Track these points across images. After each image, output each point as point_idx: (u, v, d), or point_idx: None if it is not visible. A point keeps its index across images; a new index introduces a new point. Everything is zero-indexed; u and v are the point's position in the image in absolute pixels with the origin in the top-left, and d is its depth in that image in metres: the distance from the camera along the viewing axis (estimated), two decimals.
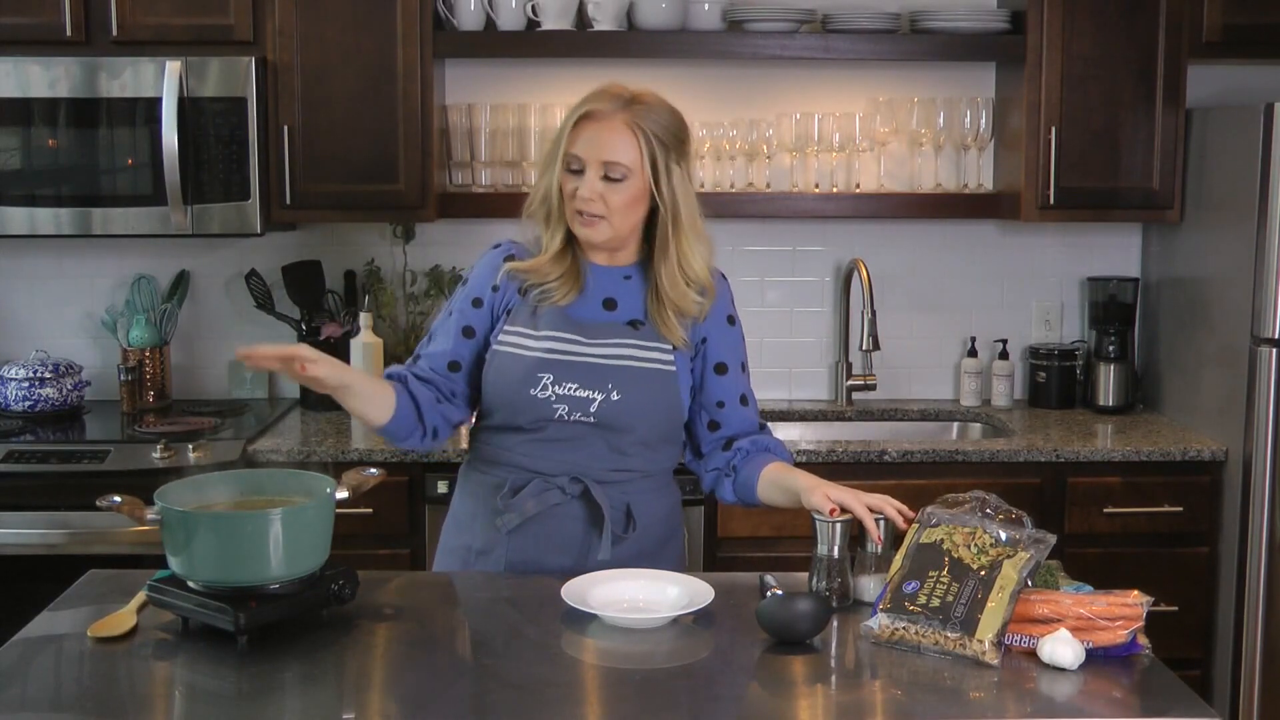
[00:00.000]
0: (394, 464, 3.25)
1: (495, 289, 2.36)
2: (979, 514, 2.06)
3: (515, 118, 3.73)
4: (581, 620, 2.05)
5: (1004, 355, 3.93)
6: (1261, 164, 3.24)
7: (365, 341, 3.63)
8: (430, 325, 2.48)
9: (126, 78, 3.40)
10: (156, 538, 2.02)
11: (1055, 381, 3.86)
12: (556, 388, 2.28)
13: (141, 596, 2.09)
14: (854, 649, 2.01)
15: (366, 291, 3.83)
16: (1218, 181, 3.47)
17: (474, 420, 2.47)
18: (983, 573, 1.96)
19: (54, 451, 3.32)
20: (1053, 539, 2.02)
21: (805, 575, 2.17)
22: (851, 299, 3.91)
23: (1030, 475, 3.38)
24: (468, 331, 2.36)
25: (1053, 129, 3.55)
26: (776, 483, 2.32)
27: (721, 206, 3.68)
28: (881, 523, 2.14)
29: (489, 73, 3.81)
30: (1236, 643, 3.35)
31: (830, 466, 3.27)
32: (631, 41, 3.59)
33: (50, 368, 3.63)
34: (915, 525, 2.09)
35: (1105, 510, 3.39)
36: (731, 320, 2.43)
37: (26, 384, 3.59)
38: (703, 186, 3.75)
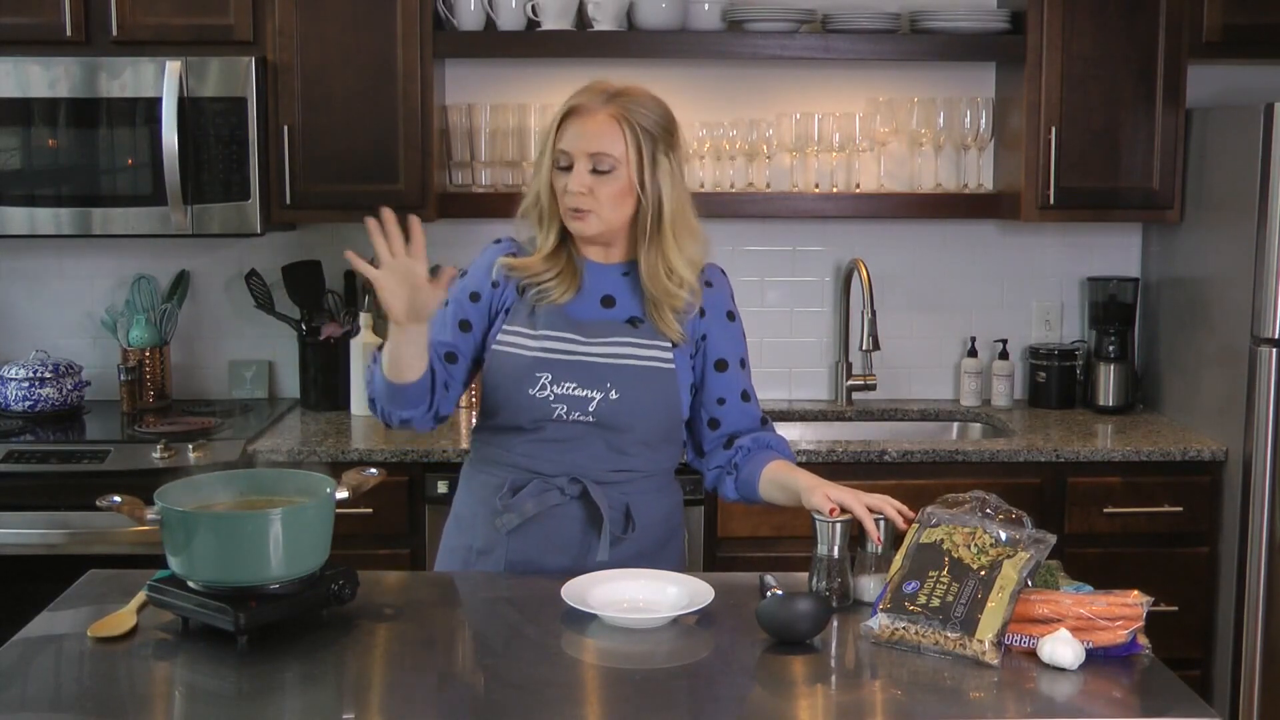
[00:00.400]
0: (394, 464, 3.25)
1: (494, 285, 2.36)
2: (979, 514, 2.06)
3: (515, 118, 3.73)
4: (581, 620, 2.05)
5: (1004, 355, 3.93)
6: (1261, 164, 3.24)
7: (365, 341, 3.63)
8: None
9: (126, 78, 3.40)
10: (156, 538, 2.02)
11: (1055, 381, 3.86)
12: (555, 387, 2.28)
13: (141, 596, 2.08)
14: (854, 649, 2.01)
15: (366, 291, 3.82)
16: (1218, 181, 3.47)
17: (475, 420, 2.47)
18: (983, 573, 1.96)
19: (54, 451, 3.32)
20: (1053, 539, 2.02)
21: (805, 575, 2.17)
22: (851, 299, 3.91)
23: (1030, 475, 3.38)
24: (464, 325, 2.36)
25: (1053, 129, 3.55)
26: (777, 482, 2.31)
27: (721, 206, 3.69)
28: (881, 523, 2.14)
29: (489, 73, 3.81)
30: (1236, 643, 3.35)
31: (830, 466, 3.27)
32: (631, 41, 3.58)
33: (50, 368, 3.63)
34: (915, 525, 2.09)
35: (1105, 510, 3.39)
36: (731, 316, 2.43)
37: (26, 384, 3.59)
38: (703, 186, 3.75)
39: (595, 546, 2.31)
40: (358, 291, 3.84)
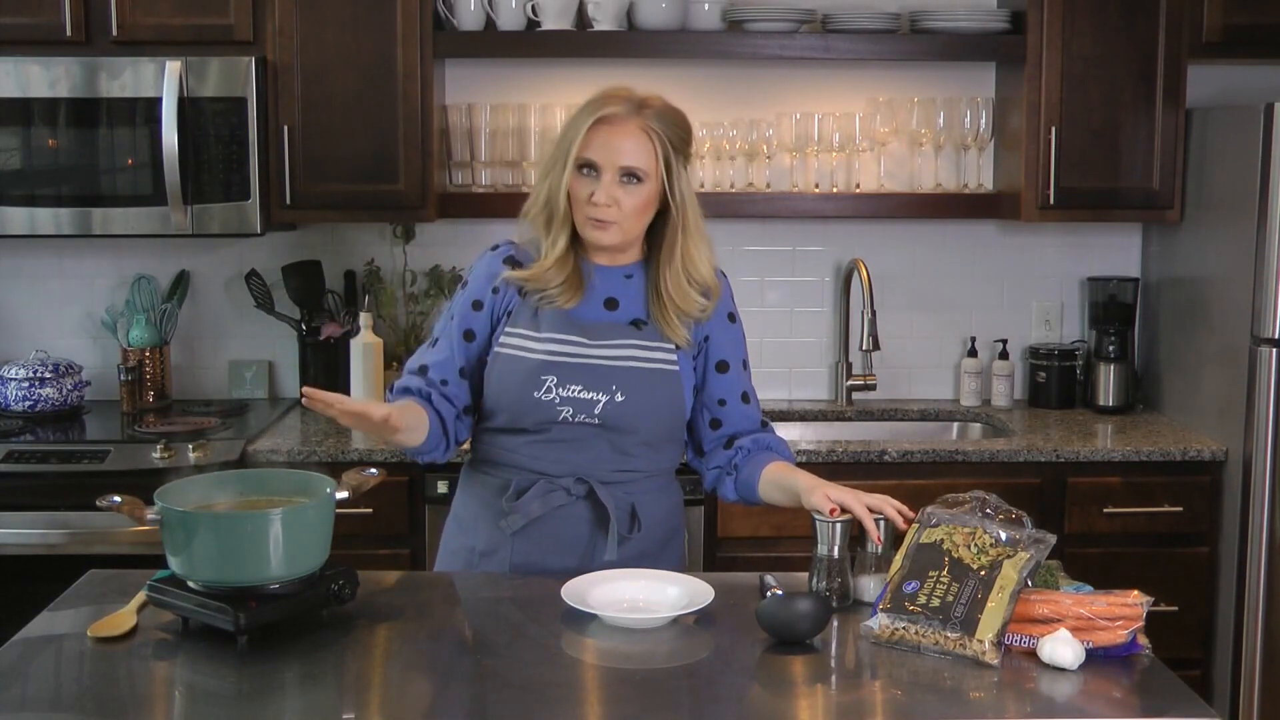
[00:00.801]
0: (394, 464, 3.24)
1: (495, 291, 2.35)
2: (979, 514, 2.06)
3: (515, 118, 3.73)
4: (581, 620, 2.05)
5: (1004, 355, 3.93)
6: (1261, 164, 3.24)
7: (365, 341, 3.63)
8: (432, 327, 2.48)
9: (126, 78, 3.40)
10: (156, 538, 2.02)
11: (1055, 381, 3.86)
12: (560, 390, 2.28)
13: (141, 596, 2.09)
14: (854, 649, 2.01)
15: (366, 291, 3.83)
16: (1218, 181, 3.47)
17: (475, 421, 2.47)
18: (983, 573, 1.97)
19: (54, 451, 3.32)
20: (1053, 539, 2.02)
21: (805, 575, 2.17)
22: (851, 299, 3.91)
23: (1030, 475, 3.38)
24: (468, 335, 2.36)
25: (1053, 129, 3.55)
26: (777, 482, 2.32)
27: (721, 206, 3.69)
28: (881, 523, 2.14)
29: (489, 73, 3.81)
30: (1236, 643, 3.35)
31: (830, 466, 3.27)
32: (631, 41, 3.59)
33: (50, 368, 3.63)
34: (915, 525, 2.09)
35: (1105, 510, 3.39)
36: (732, 318, 2.43)
37: (26, 384, 3.59)
38: (703, 186, 3.75)
39: (601, 546, 2.31)
40: (358, 291, 3.84)
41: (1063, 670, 1.89)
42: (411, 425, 2.24)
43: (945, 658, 1.93)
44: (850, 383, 3.89)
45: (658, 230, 2.34)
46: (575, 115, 2.28)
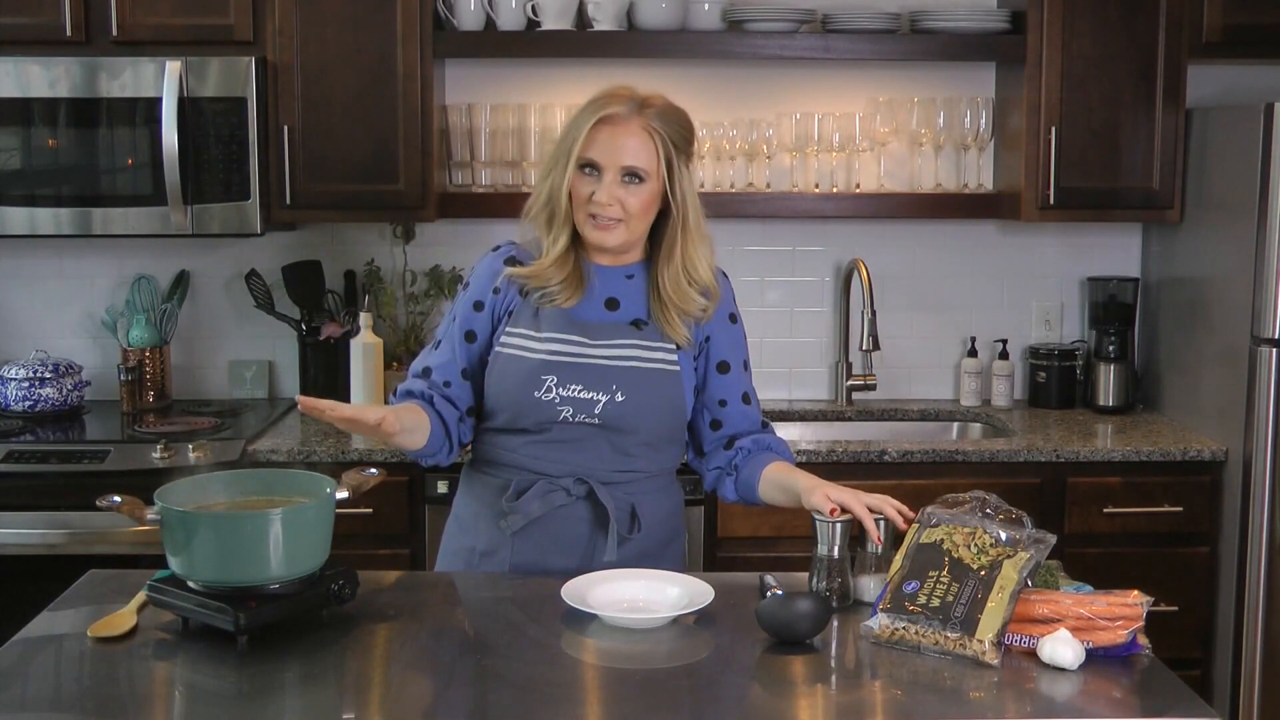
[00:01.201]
0: (394, 464, 3.24)
1: (496, 291, 2.35)
2: (979, 514, 2.06)
3: (515, 118, 3.73)
4: (581, 620, 2.05)
5: (1004, 355, 3.93)
6: (1261, 164, 3.24)
7: (365, 341, 3.63)
8: (434, 330, 2.48)
9: (126, 78, 3.40)
10: (156, 538, 2.02)
11: (1055, 381, 3.86)
12: (561, 389, 2.28)
13: (141, 596, 2.09)
14: (854, 649, 2.01)
15: (366, 291, 3.83)
16: (1218, 181, 3.47)
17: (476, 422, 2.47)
18: (983, 573, 1.97)
19: (54, 451, 3.32)
20: (1053, 539, 2.02)
21: (805, 575, 2.17)
22: (851, 299, 3.91)
23: (1030, 475, 3.38)
24: (470, 336, 2.36)
25: (1053, 129, 3.55)
26: (777, 483, 2.32)
27: (721, 206, 3.68)
28: (881, 523, 2.14)
29: (489, 73, 3.81)
30: (1236, 643, 3.35)
31: (830, 466, 3.27)
32: (631, 41, 3.59)
33: (50, 368, 3.63)
34: (915, 525, 2.10)
35: (1105, 510, 3.39)
36: (733, 318, 2.43)
37: (26, 384, 3.59)
38: (703, 186, 3.74)
39: (601, 547, 2.31)
40: (358, 291, 3.84)
41: (1063, 670, 1.89)
42: (411, 427, 2.24)
43: (945, 658, 1.93)
44: (850, 383, 3.89)
45: (659, 230, 2.34)
46: (577, 114, 2.28)
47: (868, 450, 3.37)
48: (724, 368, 2.40)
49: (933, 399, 3.99)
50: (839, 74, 3.84)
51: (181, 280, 3.86)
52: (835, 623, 2.06)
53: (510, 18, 3.58)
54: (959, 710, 1.79)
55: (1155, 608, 1.98)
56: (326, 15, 3.47)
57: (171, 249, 3.85)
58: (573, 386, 2.28)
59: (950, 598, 1.95)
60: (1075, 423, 3.69)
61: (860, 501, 2.15)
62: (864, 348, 3.75)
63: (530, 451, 2.33)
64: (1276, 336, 3.25)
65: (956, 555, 2.00)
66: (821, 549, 2.14)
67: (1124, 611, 1.92)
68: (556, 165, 2.29)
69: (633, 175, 2.25)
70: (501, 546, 2.35)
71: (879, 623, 1.99)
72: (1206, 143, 3.53)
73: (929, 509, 2.10)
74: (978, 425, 3.86)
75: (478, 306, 2.36)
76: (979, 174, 3.84)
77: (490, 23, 3.61)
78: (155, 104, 3.39)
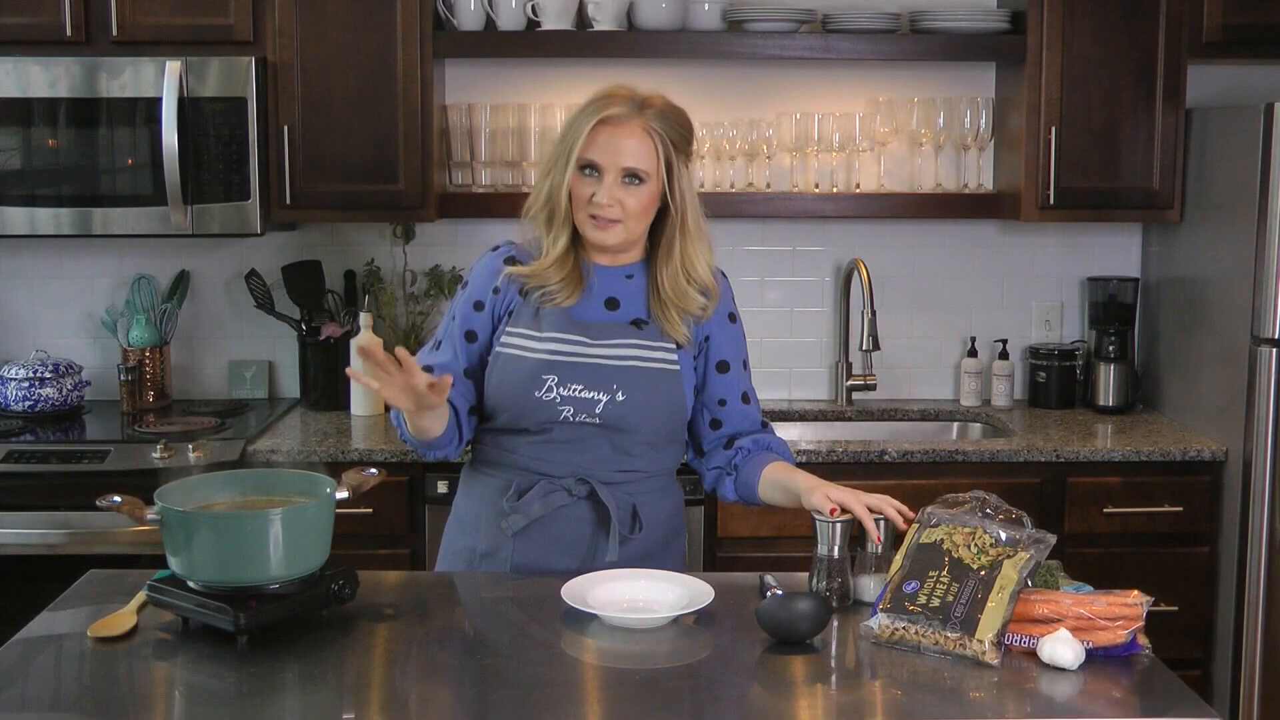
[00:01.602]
0: (394, 464, 3.25)
1: (496, 291, 2.35)
2: (979, 514, 2.06)
3: (515, 118, 3.73)
4: (582, 620, 2.05)
5: (1004, 355, 3.93)
6: (1261, 164, 3.24)
7: (365, 341, 3.63)
8: (434, 330, 2.48)
9: (126, 78, 3.40)
10: (156, 538, 2.02)
11: (1055, 381, 3.86)
12: (561, 389, 2.28)
13: (141, 596, 2.09)
14: (854, 649, 2.01)
15: (366, 291, 3.83)
16: (1218, 181, 3.47)
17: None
18: (983, 573, 1.97)
19: (54, 451, 3.32)
20: (1053, 539, 2.02)
21: (805, 575, 2.17)
22: (851, 299, 3.91)
23: (1030, 475, 3.38)
24: (470, 336, 2.35)
25: (1053, 129, 3.55)
26: (777, 483, 2.32)
27: (721, 206, 3.68)
28: (881, 523, 2.15)
29: (489, 73, 3.81)
30: (1236, 643, 3.35)
31: (830, 466, 3.27)
32: (631, 41, 3.58)
33: (50, 368, 3.63)
34: (915, 525, 2.10)
35: (1105, 510, 3.39)
36: (733, 318, 2.43)
37: (26, 384, 3.59)
38: (703, 186, 3.74)
39: (603, 547, 2.31)
40: (358, 291, 3.84)
41: (1063, 670, 1.89)
42: (439, 408, 2.21)
43: (945, 658, 1.93)
44: (850, 383, 3.89)
45: (658, 229, 2.34)
46: (577, 115, 2.28)
47: (868, 450, 3.37)
48: (724, 367, 2.40)
49: (933, 399, 3.99)
50: (839, 74, 3.84)
51: (181, 280, 3.86)
52: (835, 623, 2.06)
53: (510, 18, 3.58)
54: (959, 710, 1.79)
55: (1155, 608, 1.98)
56: (326, 15, 3.47)
57: (171, 249, 3.84)
58: (573, 386, 2.28)
59: (950, 598, 1.95)
60: (1075, 423, 3.69)
61: (860, 501, 2.15)
62: (864, 348, 3.75)
63: (531, 452, 2.33)
64: (1276, 336, 3.25)
65: (956, 555, 2.00)
66: (821, 549, 2.14)
67: (1124, 611, 1.92)
68: (556, 165, 2.29)
69: (633, 176, 2.25)
70: (502, 547, 2.35)
71: (879, 623, 1.99)
72: (1206, 143, 3.53)
73: (929, 509, 2.10)
74: (978, 425, 3.86)
75: (478, 306, 2.36)
76: (979, 174, 3.84)
77: (490, 23, 3.61)
78: (155, 104, 3.39)
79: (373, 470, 2.18)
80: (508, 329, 2.33)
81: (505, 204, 3.60)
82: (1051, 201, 3.58)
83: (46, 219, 3.47)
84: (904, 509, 2.15)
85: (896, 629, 1.97)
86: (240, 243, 3.81)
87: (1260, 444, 3.28)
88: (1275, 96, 3.42)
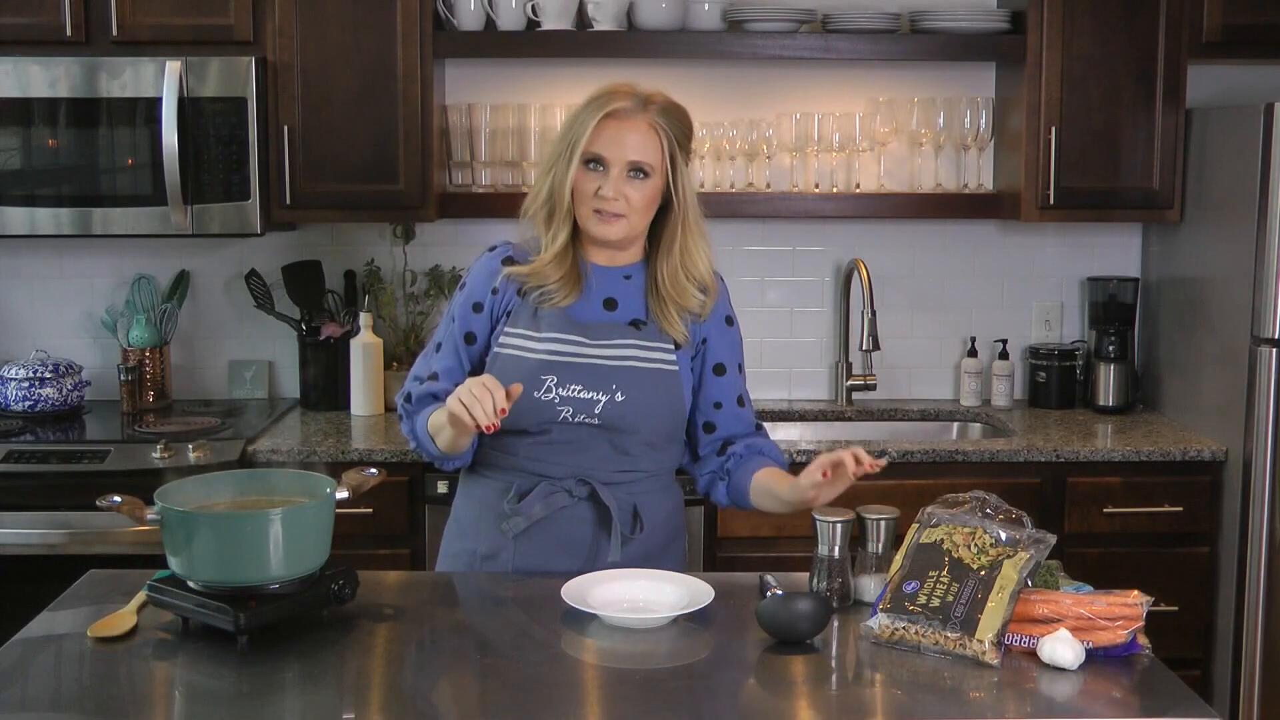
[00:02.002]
0: (394, 464, 3.25)
1: (494, 291, 2.35)
2: (979, 514, 2.06)
3: (515, 118, 3.73)
4: (582, 620, 2.05)
5: (1004, 355, 3.93)
6: (1261, 164, 3.24)
7: (365, 341, 3.63)
8: (434, 332, 2.48)
9: (126, 78, 3.40)
10: (156, 538, 2.02)
11: (1055, 381, 3.86)
12: (560, 390, 2.28)
13: (141, 596, 2.09)
14: (854, 649, 2.01)
15: (366, 291, 3.83)
16: (1218, 181, 3.47)
17: None
18: (983, 573, 1.97)
19: (54, 451, 3.32)
20: (1053, 539, 2.03)
21: (805, 575, 2.18)
22: (851, 299, 3.91)
23: (1030, 475, 3.38)
24: (469, 338, 2.35)
25: (1053, 129, 3.55)
26: (766, 489, 2.33)
27: (721, 206, 3.68)
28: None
29: (489, 73, 3.81)
30: (1236, 643, 3.35)
31: None
32: (631, 41, 3.58)
33: (50, 368, 3.63)
34: (915, 525, 2.10)
35: (1105, 510, 3.39)
36: (730, 321, 2.43)
37: (26, 384, 3.59)
38: (703, 186, 3.74)
39: (605, 547, 2.31)
40: (358, 291, 3.84)
41: (1063, 670, 1.89)
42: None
43: (945, 658, 1.93)
44: (850, 383, 3.89)
45: (658, 227, 2.35)
46: (580, 110, 2.28)
47: (867, 450, 3.34)
48: (720, 370, 2.40)
49: (933, 399, 3.99)
50: (839, 74, 3.84)
51: (181, 280, 3.86)
52: (835, 623, 2.06)
53: (510, 18, 3.58)
54: (959, 710, 1.79)
55: (1155, 608, 1.98)
56: (326, 15, 3.47)
57: (171, 249, 3.84)
58: (572, 386, 2.28)
59: (950, 598, 1.95)
60: (1075, 423, 3.69)
61: (835, 455, 2.15)
62: (864, 348, 3.75)
63: (531, 453, 2.32)
64: (1276, 336, 3.25)
65: (956, 555, 2.00)
66: (821, 549, 2.14)
67: (1124, 611, 1.92)
68: (559, 161, 2.29)
69: (639, 170, 2.25)
70: (503, 549, 2.34)
71: (879, 623, 1.99)
72: (1206, 143, 3.53)
73: (929, 509, 2.11)
74: (978, 425, 3.86)
75: (476, 308, 2.36)
76: (979, 174, 3.84)
77: (490, 23, 3.61)
78: (155, 104, 3.39)
79: (373, 470, 2.18)
80: (506, 329, 2.33)
81: (505, 204, 3.60)
82: (1051, 201, 3.58)
83: (46, 219, 3.47)
84: (860, 453, 2.14)
85: (896, 629, 1.97)
86: (240, 243, 3.81)
87: (1260, 444, 3.28)
88: (1275, 96, 3.42)
